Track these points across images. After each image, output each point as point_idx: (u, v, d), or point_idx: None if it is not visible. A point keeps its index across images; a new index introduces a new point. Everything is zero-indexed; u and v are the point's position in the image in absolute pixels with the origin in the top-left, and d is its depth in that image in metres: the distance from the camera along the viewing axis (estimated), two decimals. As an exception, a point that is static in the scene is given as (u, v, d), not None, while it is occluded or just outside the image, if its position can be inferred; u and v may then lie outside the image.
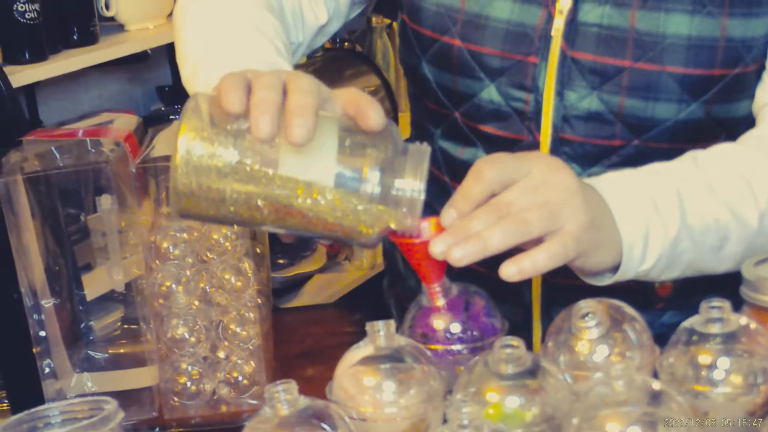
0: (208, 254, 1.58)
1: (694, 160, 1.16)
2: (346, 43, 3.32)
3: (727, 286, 1.12)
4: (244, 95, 0.92)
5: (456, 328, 1.06)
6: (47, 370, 1.62)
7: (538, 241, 1.00)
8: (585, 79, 1.27)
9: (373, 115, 0.94)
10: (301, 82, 0.94)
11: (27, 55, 2.23)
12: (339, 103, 0.98)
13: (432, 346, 1.05)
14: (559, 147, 1.30)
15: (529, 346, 0.95)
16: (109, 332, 1.81)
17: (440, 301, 1.04)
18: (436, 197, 1.03)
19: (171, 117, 2.73)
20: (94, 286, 1.83)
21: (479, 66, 1.31)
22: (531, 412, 0.91)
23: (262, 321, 1.59)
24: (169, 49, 3.07)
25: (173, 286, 1.56)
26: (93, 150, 1.64)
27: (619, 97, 1.26)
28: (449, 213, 0.99)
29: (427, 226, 1.00)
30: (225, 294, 1.58)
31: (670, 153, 1.20)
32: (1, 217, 1.55)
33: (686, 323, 0.96)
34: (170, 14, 2.83)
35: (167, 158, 1.54)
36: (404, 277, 1.54)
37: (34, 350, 1.60)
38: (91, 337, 1.78)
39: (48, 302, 1.62)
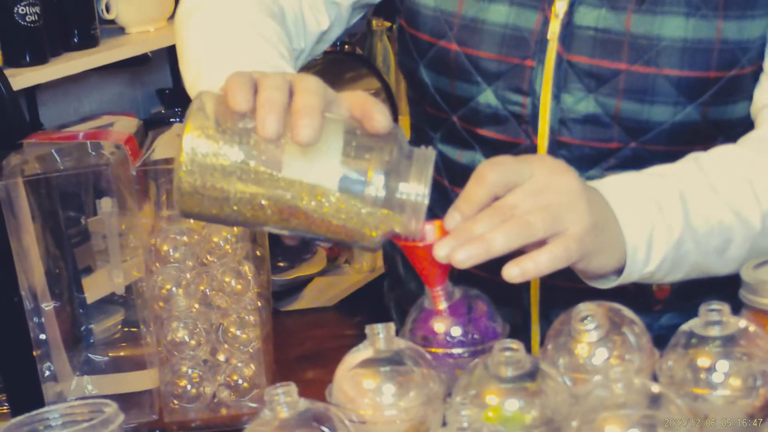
0: (209, 257, 1.58)
1: (696, 162, 1.16)
2: (346, 46, 3.32)
3: (726, 288, 1.13)
4: (250, 94, 0.92)
5: (457, 331, 1.07)
6: (47, 373, 1.62)
7: (541, 244, 1.00)
8: (581, 82, 1.27)
9: (379, 117, 0.94)
10: (307, 83, 0.94)
11: (27, 58, 2.23)
12: (345, 106, 0.98)
13: (433, 349, 1.05)
14: (556, 150, 1.30)
15: (528, 349, 0.95)
16: (110, 335, 1.82)
17: (443, 305, 1.04)
18: (436, 201, 1.03)
19: (171, 120, 2.73)
20: (94, 289, 1.84)
21: (476, 70, 1.31)
22: (530, 414, 0.91)
23: (262, 324, 1.60)
24: (170, 52, 3.07)
25: (173, 289, 1.57)
26: (93, 153, 1.65)
27: (615, 100, 1.27)
28: (453, 216, 1.00)
29: (430, 229, 1.01)
30: (225, 297, 1.58)
31: (667, 155, 1.20)
32: (1, 220, 1.55)
33: (685, 326, 0.96)
34: (171, 17, 2.83)
35: (168, 161, 1.54)
36: (404, 281, 1.54)
37: (34, 353, 1.60)
38: (92, 340, 1.78)
39: (48, 305, 1.62)
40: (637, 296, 1.30)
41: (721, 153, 1.19)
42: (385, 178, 0.94)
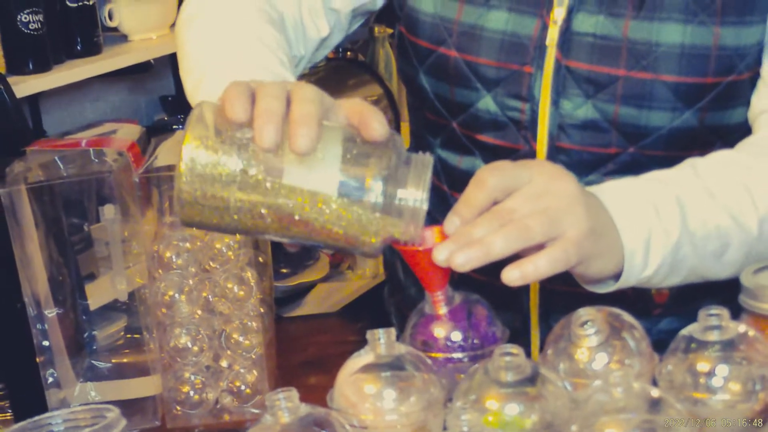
0: (211, 263, 1.58)
1: (693, 167, 1.17)
2: (348, 53, 3.33)
3: (725, 292, 1.13)
4: (248, 104, 0.93)
5: (457, 336, 1.07)
6: (50, 379, 1.63)
7: (539, 248, 1.01)
8: (580, 87, 1.28)
9: (376, 125, 0.95)
10: (305, 92, 0.95)
11: (31, 66, 2.23)
12: (342, 113, 0.98)
13: (433, 354, 1.05)
14: (555, 155, 1.30)
15: (528, 353, 0.96)
16: (113, 341, 1.82)
17: (443, 309, 1.05)
18: (435, 206, 1.04)
19: (174, 127, 2.73)
20: (97, 295, 1.84)
21: (475, 76, 1.32)
22: (530, 419, 0.91)
23: (264, 330, 1.60)
24: (173, 59, 3.08)
25: (176, 295, 1.57)
26: (96, 160, 1.65)
27: (613, 105, 1.27)
28: (452, 220, 1.00)
29: (429, 234, 1.01)
30: (228, 303, 1.58)
31: (665, 160, 1.21)
32: (4, 227, 1.55)
33: (685, 331, 0.97)
34: (173, 24, 2.83)
35: (170, 168, 1.55)
36: (404, 286, 1.55)
37: (37, 360, 1.61)
38: (95, 347, 1.79)
39: (51, 312, 1.63)
40: (636, 300, 1.31)
41: (719, 158, 1.20)
42: (384, 184, 0.94)
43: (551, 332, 1.04)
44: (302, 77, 1.37)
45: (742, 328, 0.96)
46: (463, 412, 0.87)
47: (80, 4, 2.39)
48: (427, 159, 0.98)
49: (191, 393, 1.59)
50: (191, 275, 1.58)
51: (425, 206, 0.96)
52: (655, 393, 0.87)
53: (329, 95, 1.00)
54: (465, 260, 0.97)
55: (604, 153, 1.30)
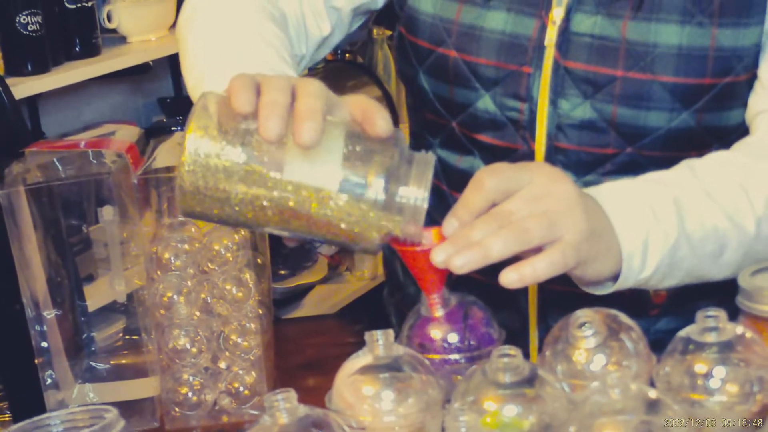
0: (210, 265, 1.58)
1: (690, 168, 1.17)
2: (347, 55, 3.33)
3: (722, 292, 1.13)
4: (253, 96, 0.93)
5: (454, 338, 1.07)
6: (49, 381, 1.63)
7: (537, 251, 1.01)
8: (578, 88, 1.28)
9: (381, 121, 0.95)
10: (309, 86, 0.95)
11: (29, 67, 2.24)
12: (347, 109, 0.99)
13: (430, 356, 1.05)
14: (553, 155, 1.31)
15: (526, 353, 0.96)
16: (111, 343, 1.82)
17: (439, 312, 1.05)
18: (434, 205, 1.04)
19: (173, 128, 2.74)
20: (95, 296, 1.84)
21: (474, 76, 1.32)
22: (528, 420, 0.91)
23: (263, 331, 1.60)
24: (171, 61, 3.08)
25: (174, 296, 1.57)
26: (95, 161, 1.65)
27: (611, 105, 1.28)
28: (451, 222, 1.00)
29: (428, 235, 1.01)
30: (226, 305, 1.58)
31: (663, 161, 1.21)
32: (3, 228, 1.55)
33: (682, 332, 0.97)
34: (172, 26, 2.84)
35: (169, 169, 1.55)
36: (403, 285, 1.55)
37: (36, 361, 1.61)
38: (93, 348, 1.79)
39: (50, 313, 1.63)
40: (634, 301, 1.31)
41: (716, 159, 1.20)
42: (386, 181, 0.95)
43: (549, 334, 1.04)
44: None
45: (739, 329, 0.96)
46: (461, 414, 0.87)
47: (79, 5, 2.39)
48: (429, 157, 0.98)
49: (190, 394, 1.59)
50: (190, 277, 1.58)
51: (426, 205, 0.96)
52: (652, 394, 0.88)
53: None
54: (463, 262, 0.97)
55: (602, 153, 1.30)
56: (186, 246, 1.58)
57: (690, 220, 1.12)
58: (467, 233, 0.99)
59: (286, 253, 2.93)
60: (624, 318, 1.03)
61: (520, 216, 1.00)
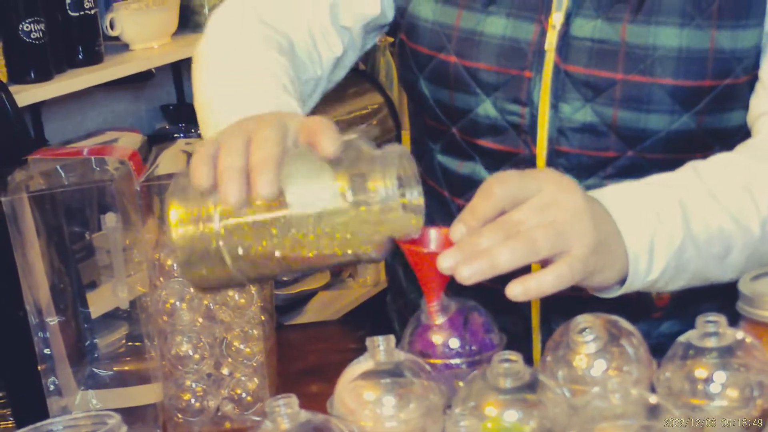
0: (212, 271, 1.58)
1: (694, 170, 1.17)
2: (349, 62, 3.33)
3: (724, 295, 1.13)
4: (210, 169, 0.95)
5: (455, 343, 1.07)
6: (52, 387, 1.63)
7: (545, 261, 1.01)
8: (579, 91, 1.29)
9: (326, 142, 0.95)
10: (263, 134, 0.96)
11: (32, 75, 2.25)
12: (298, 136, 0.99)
13: (431, 360, 1.06)
14: (554, 159, 1.31)
15: (529, 357, 0.96)
16: (114, 349, 1.82)
17: (439, 319, 1.05)
18: (436, 211, 1.05)
19: (175, 135, 2.75)
20: (98, 303, 1.84)
21: (475, 81, 1.33)
22: (529, 425, 0.91)
23: (265, 338, 1.60)
24: (174, 68, 3.09)
25: (177, 303, 1.57)
26: (98, 168, 1.66)
27: (612, 109, 1.28)
28: (458, 228, 1.00)
29: (435, 235, 1.02)
30: (229, 311, 1.58)
31: (664, 164, 1.21)
32: (6, 236, 1.56)
33: (683, 337, 0.97)
34: (174, 34, 2.85)
35: (171, 176, 1.55)
36: (406, 292, 1.55)
37: (39, 368, 1.61)
38: (96, 355, 1.79)
39: (53, 320, 1.63)
40: (637, 304, 1.31)
41: (720, 161, 1.20)
42: (379, 188, 0.95)
43: (550, 339, 1.04)
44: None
45: (739, 334, 0.96)
46: (462, 419, 0.87)
47: (82, 13, 2.40)
48: (401, 150, 0.99)
49: (192, 401, 1.60)
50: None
51: (421, 199, 0.97)
52: (652, 399, 0.88)
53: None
54: (471, 273, 0.97)
55: (603, 156, 1.31)
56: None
57: (695, 221, 1.12)
58: (475, 240, 0.98)
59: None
60: (624, 323, 1.03)
61: (528, 226, 0.99)
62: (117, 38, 2.66)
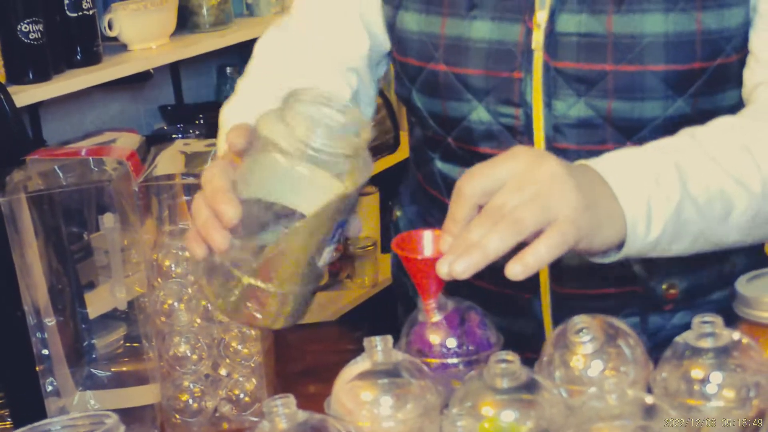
0: (210, 272, 1.58)
1: (691, 135, 1.16)
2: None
3: (731, 285, 1.12)
4: (199, 242, 1.04)
5: (451, 342, 1.07)
6: (50, 388, 1.63)
7: (539, 236, 1.00)
8: (571, 87, 1.29)
9: (226, 212, 1.01)
10: (205, 176, 1.04)
11: (31, 75, 2.25)
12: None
13: (428, 360, 1.06)
14: None
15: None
16: (112, 350, 1.82)
17: (436, 317, 1.06)
18: (438, 219, 1.05)
19: (173, 136, 2.75)
20: (96, 304, 1.84)
21: (466, 87, 1.33)
22: (526, 425, 0.92)
23: (263, 338, 1.60)
24: (172, 69, 3.09)
25: (175, 303, 1.57)
26: (96, 169, 1.66)
27: (606, 101, 1.28)
28: (445, 240, 1.01)
29: (428, 239, 1.02)
30: (226, 312, 1.59)
31: None
32: (4, 236, 1.56)
33: (679, 338, 0.97)
34: (173, 34, 2.85)
35: (169, 177, 1.56)
36: (416, 303, 1.55)
37: (36, 368, 1.61)
38: (94, 355, 1.79)
39: (51, 320, 1.63)
40: (648, 298, 1.31)
41: (716, 124, 1.19)
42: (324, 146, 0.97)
43: (547, 339, 1.05)
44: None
45: (736, 335, 0.96)
46: (459, 419, 0.88)
47: (80, 14, 2.41)
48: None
49: (190, 401, 1.60)
50: (190, 284, 1.58)
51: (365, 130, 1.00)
52: (649, 400, 0.88)
53: None
54: (464, 267, 0.97)
55: (601, 150, 1.29)
56: (187, 253, 1.58)
57: (693, 182, 1.10)
58: (464, 238, 0.98)
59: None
60: (621, 324, 1.03)
61: (510, 207, 0.99)
62: (115, 39, 2.67)
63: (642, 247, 1.09)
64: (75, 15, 2.40)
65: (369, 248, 3.40)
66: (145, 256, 1.60)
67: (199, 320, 1.58)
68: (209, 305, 1.50)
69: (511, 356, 0.93)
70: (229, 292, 1.03)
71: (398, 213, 1.60)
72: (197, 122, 3.06)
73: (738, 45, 1.27)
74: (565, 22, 1.28)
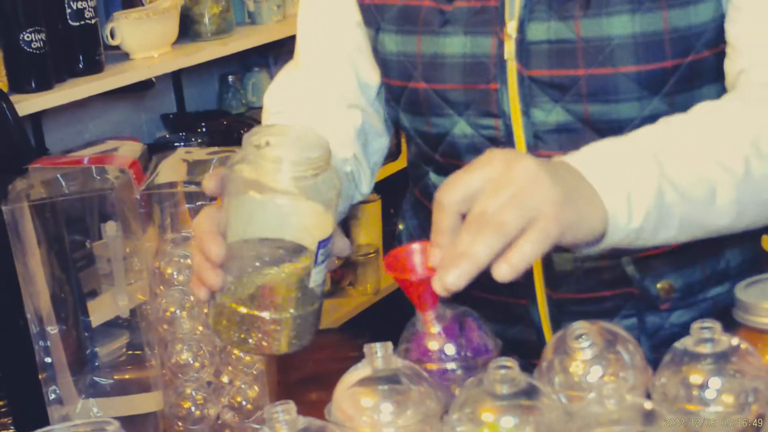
0: (212, 279, 1.59)
1: (666, 122, 1.16)
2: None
3: (731, 282, 1.12)
4: (201, 287, 1.11)
5: (450, 349, 1.08)
6: (53, 396, 1.63)
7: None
8: (546, 94, 1.29)
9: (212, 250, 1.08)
10: (194, 224, 1.11)
11: (33, 84, 2.25)
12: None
13: (427, 366, 1.06)
14: None
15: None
16: (114, 358, 1.82)
17: (435, 328, 1.06)
18: None
19: (175, 144, 2.75)
20: (99, 312, 1.85)
21: (446, 102, 1.34)
22: (525, 431, 0.92)
23: (265, 346, 1.60)
24: (174, 78, 3.10)
25: (177, 311, 1.57)
26: (98, 177, 1.66)
27: (581, 105, 1.29)
28: (434, 254, 1.01)
29: (418, 250, 1.04)
30: (228, 319, 1.59)
31: None
32: (7, 244, 1.56)
33: (678, 344, 0.98)
34: (174, 43, 2.86)
35: (171, 185, 1.56)
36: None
37: (39, 376, 1.61)
38: (97, 363, 1.79)
39: (53, 329, 1.63)
40: (644, 299, 1.32)
41: (695, 109, 1.18)
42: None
43: (546, 345, 1.05)
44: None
45: (734, 340, 0.97)
46: (459, 425, 0.88)
47: (82, 23, 2.41)
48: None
49: (193, 409, 1.60)
50: (192, 291, 1.59)
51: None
52: (648, 405, 0.88)
53: None
54: (455, 278, 0.97)
55: None
56: (189, 261, 1.58)
57: (670, 165, 1.09)
58: (453, 251, 0.99)
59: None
60: (620, 330, 1.04)
61: (491, 212, 0.99)
62: (117, 47, 2.67)
63: (626, 235, 1.08)
64: (77, 24, 2.41)
65: (371, 256, 3.40)
66: (147, 264, 1.60)
67: (201, 328, 1.58)
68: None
69: (510, 362, 0.94)
70: (234, 326, 1.08)
71: (401, 227, 1.62)
72: (199, 130, 3.07)
73: (710, 40, 1.28)
74: (534, 31, 1.28)
